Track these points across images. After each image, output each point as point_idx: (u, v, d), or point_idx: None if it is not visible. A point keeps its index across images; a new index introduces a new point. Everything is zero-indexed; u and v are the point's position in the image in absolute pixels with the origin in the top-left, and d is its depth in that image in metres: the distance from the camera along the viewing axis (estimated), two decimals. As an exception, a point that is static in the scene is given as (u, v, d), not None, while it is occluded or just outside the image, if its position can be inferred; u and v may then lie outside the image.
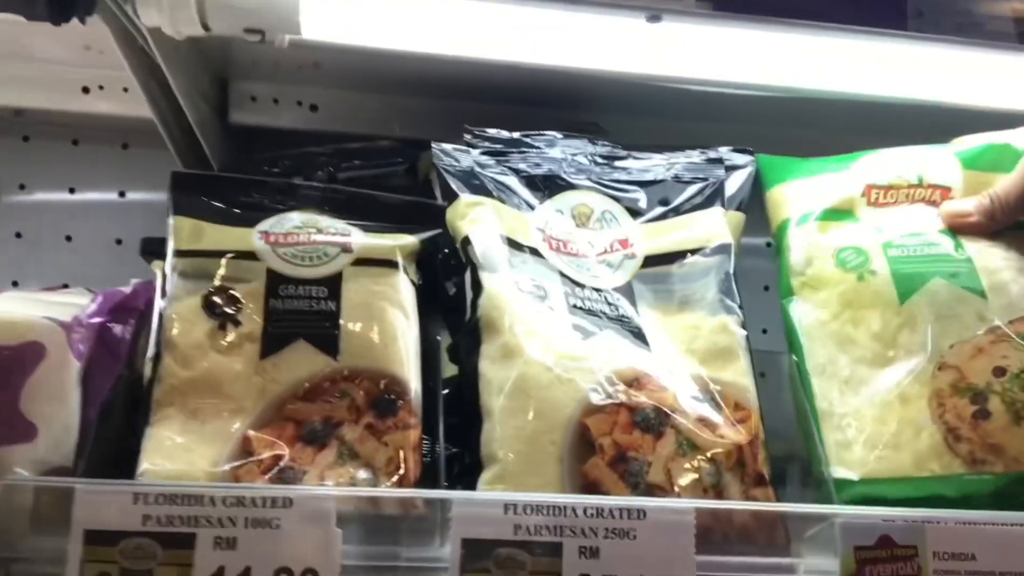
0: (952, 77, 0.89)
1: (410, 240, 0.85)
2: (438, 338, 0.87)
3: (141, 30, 0.92)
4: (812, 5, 0.76)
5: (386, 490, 0.70)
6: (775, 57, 0.90)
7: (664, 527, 0.71)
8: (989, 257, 0.89)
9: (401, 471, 0.74)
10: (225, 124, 1.39)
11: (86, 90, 1.35)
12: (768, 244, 1.32)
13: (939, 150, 0.95)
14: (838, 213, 0.96)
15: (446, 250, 0.94)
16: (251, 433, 0.73)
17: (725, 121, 1.12)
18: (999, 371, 0.83)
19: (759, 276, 1.43)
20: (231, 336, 0.76)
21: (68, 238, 1.38)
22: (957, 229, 0.90)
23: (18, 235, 1.40)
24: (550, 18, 0.93)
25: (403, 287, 0.82)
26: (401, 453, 0.74)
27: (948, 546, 0.74)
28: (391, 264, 0.82)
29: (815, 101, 1.02)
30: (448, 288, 0.92)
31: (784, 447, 0.89)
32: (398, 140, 1.26)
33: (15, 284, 1.28)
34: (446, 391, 0.85)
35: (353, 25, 0.98)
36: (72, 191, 1.44)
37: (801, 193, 0.97)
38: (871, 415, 0.85)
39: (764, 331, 1.16)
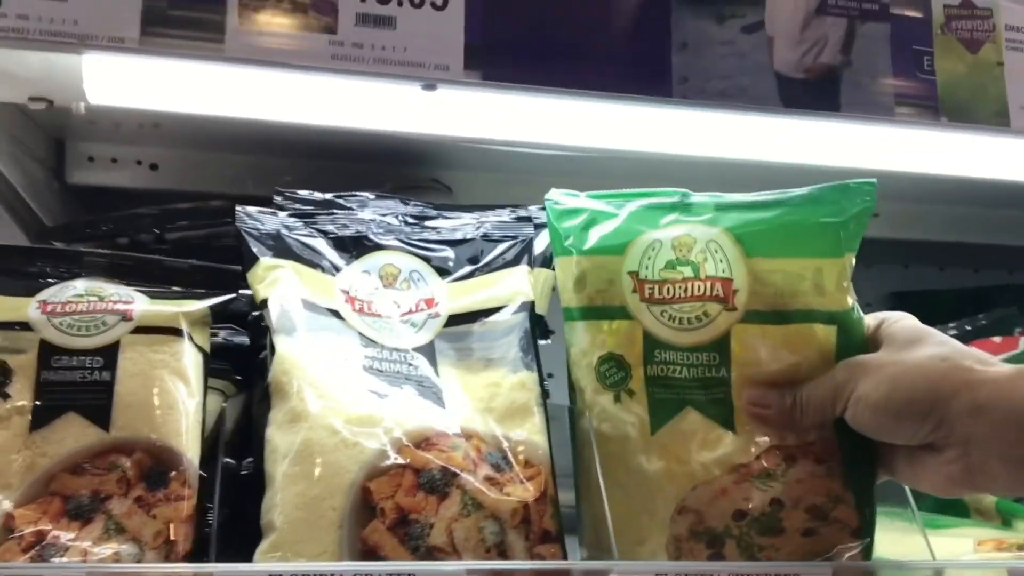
0: (717, 136, 0.92)
1: (198, 306, 0.85)
2: (223, 405, 0.86)
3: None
4: (580, 75, 0.78)
5: (139, 565, 0.69)
6: (566, 120, 0.92)
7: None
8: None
9: (171, 544, 0.73)
10: (63, 184, 1.38)
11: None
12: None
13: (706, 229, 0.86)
14: (604, 312, 0.88)
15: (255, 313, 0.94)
16: (14, 510, 0.72)
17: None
18: (739, 514, 0.81)
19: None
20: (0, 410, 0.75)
21: None
22: (753, 417, 0.83)
23: None
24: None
25: (186, 355, 0.82)
26: (171, 526, 0.73)
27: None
28: (174, 331, 0.82)
29: (600, 159, 1.06)
30: (260, 353, 0.92)
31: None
32: (231, 199, 1.26)
33: None
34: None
35: (153, 90, 0.98)
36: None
37: (571, 283, 0.91)
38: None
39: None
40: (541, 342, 1.02)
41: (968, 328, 1.36)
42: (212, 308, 0.85)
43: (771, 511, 0.81)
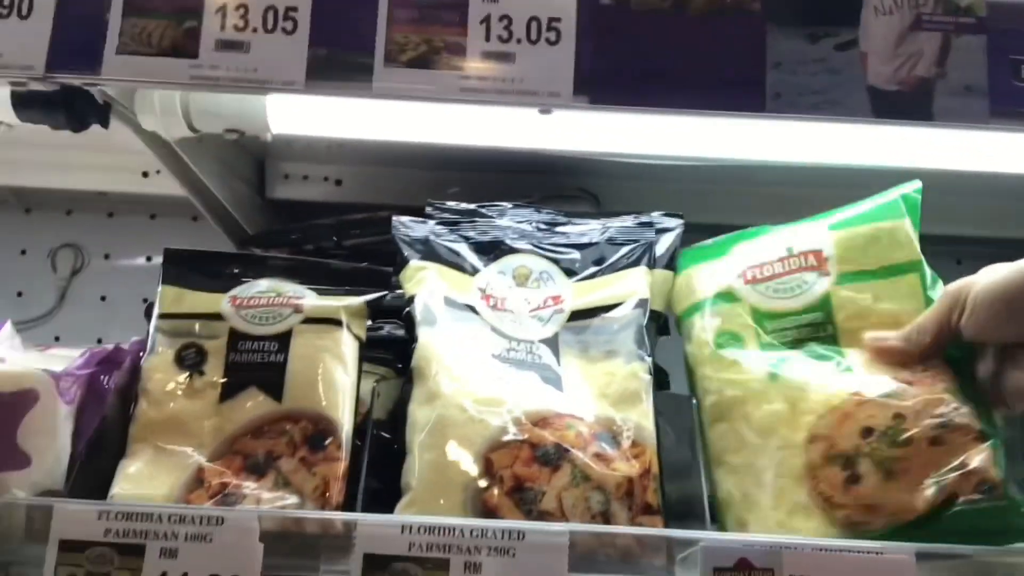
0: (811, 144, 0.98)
1: (355, 301, 1.00)
2: (374, 385, 1.01)
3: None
4: (681, 96, 0.88)
5: (300, 511, 0.85)
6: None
7: (540, 547, 0.83)
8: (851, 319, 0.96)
9: (326, 496, 0.88)
10: (264, 198, 1.59)
11: (145, 174, 1.57)
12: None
13: (809, 224, 1.04)
14: (722, 297, 1.03)
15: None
16: (205, 464, 0.89)
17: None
18: (867, 432, 0.88)
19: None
20: (196, 384, 0.93)
21: (144, 300, 1.60)
22: (875, 352, 0.93)
23: (102, 298, 1.64)
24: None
25: (345, 342, 0.97)
26: (327, 482, 0.89)
27: (804, 570, 0.83)
28: (336, 322, 0.98)
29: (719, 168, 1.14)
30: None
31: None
32: (400, 210, 1.43)
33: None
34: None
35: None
36: (148, 259, 1.67)
37: (685, 289, 1.06)
38: (759, 499, 0.92)
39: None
40: (661, 338, 1.12)
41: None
42: (368, 303, 1.00)
43: (895, 424, 0.88)
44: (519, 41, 0.87)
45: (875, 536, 0.86)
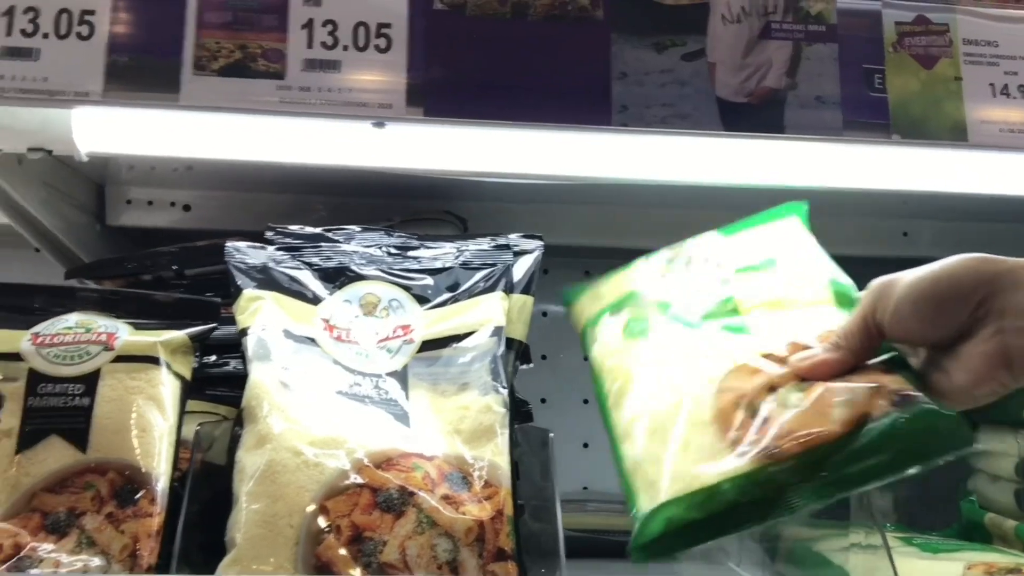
0: (660, 161, 0.93)
1: (176, 335, 0.91)
2: (197, 428, 0.92)
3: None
4: (523, 108, 0.82)
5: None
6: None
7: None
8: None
9: (136, 557, 0.78)
10: (104, 226, 1.47)
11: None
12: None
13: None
14: (622, 301, 0.98)
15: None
16: (-2, 524, 0.78)
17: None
18: (772, 388, 0.81)
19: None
20: (-9, 434, 0.82)
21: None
22: (803, 371, 0.82)
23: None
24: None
25: (163, 382, 0.88)
26: (137, 541, 0.79)
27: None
28: (152, 360, 0.88)
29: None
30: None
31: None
32: (251, 236, 1.34)
33: None
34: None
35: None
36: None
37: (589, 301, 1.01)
38: (666, 451, 0.84)
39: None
40: (523, 367, 1.06)
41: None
42: (192, 337, 0.91)
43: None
44: (345, 48, 0.80)
45: (792, 469, 0.78)
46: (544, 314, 1.48)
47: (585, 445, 1.49)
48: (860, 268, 1.57)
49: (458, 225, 1.44)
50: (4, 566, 0.76)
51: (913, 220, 1.47)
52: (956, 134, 0.86)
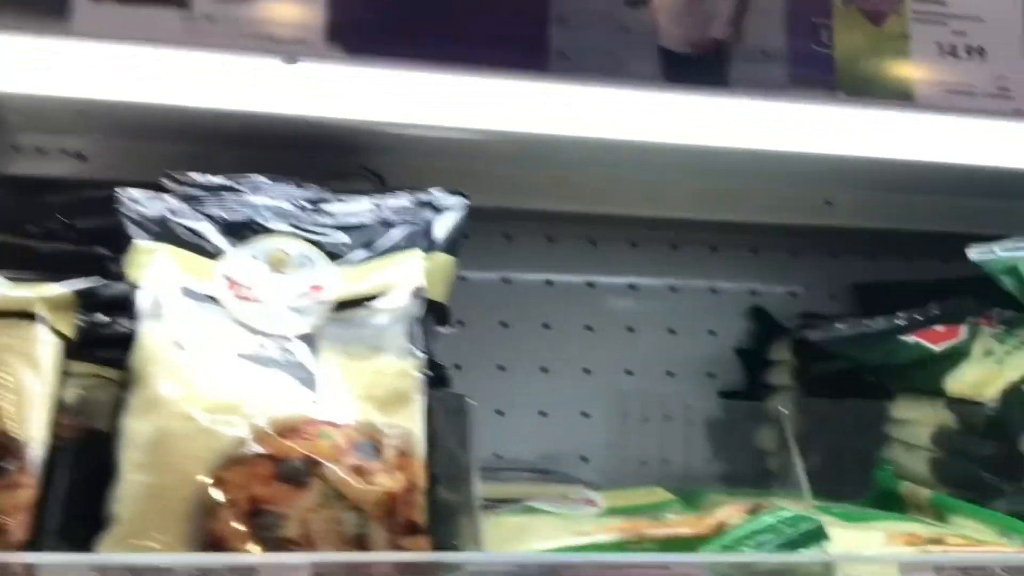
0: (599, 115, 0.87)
1: (58, 291, 0.82)
2: (81, 392, 0.83)
3: None
4: (453, 50, 0.74)
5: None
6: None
7: (270, 583, 0.68)
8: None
9: (5, 532, 0.70)
10: (-7, 174, 1.35)
11: None
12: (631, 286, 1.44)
13: None
14: None
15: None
16: None
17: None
18: None
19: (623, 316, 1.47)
20: None
21: None
22: None
23: None
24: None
25: (40, 340, 0.79)
26: (7, 515, 0.70)
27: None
28: (27, 316, 0.79)
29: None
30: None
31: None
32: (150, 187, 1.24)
33: None
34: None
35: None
36: None
37: None
38: None
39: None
40: (443, 330, 0.99)
41: (919, 317, 1.32)
42: (77, 292, 0.82)
43: None
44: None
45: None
46: (463, 279, 1.42)
47: (499, 412, 1.44)
48: (781, 238, 1.57)
49: (377, 182, 1.36)
50: None
51: (837, 188, 1.44)
52: (902, 94, 0.82)
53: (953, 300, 1.29)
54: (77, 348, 0.84)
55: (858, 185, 1.42)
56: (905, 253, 1.63)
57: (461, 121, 0.92)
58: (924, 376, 1.20)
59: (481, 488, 0.99)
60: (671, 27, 0.79)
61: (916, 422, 1.22)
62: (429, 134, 1.16)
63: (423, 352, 0.90)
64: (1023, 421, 1.02)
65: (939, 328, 1.25)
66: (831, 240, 1.56)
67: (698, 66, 0.79)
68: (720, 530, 0.84)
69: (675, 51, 0.79)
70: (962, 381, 1.15)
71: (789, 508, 0.85)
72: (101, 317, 0.98)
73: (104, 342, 0.99)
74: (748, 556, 0.77)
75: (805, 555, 0.79)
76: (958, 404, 1.14)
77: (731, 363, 1.53)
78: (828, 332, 1.36)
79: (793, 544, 0.82)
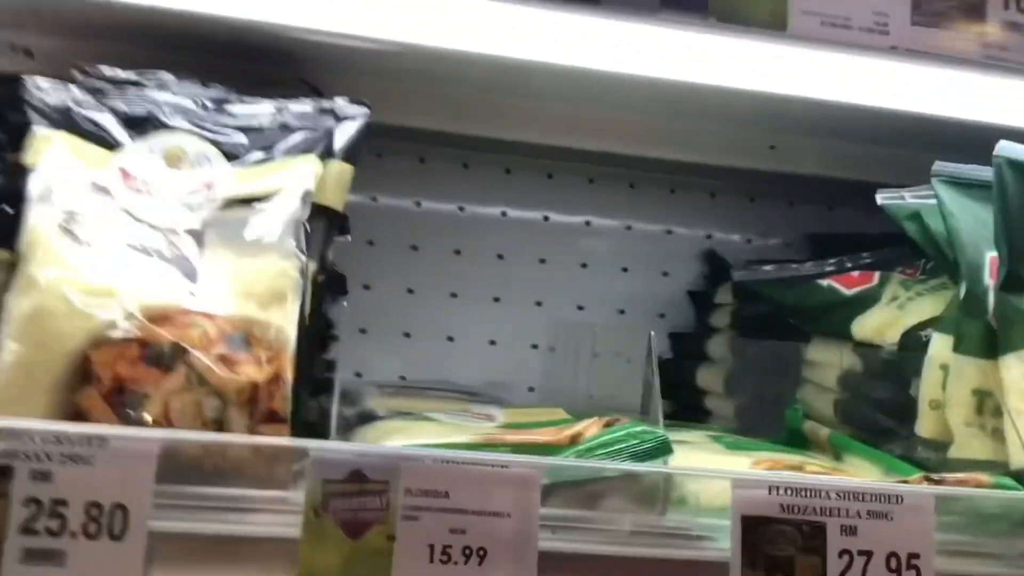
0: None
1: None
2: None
3: None
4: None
5: None
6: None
7: (124, 455, 0.72)
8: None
9: None
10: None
11: None
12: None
13: None
14: None
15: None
16: None
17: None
18: None
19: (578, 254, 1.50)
20: None
21: None
22: None
23: None
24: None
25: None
26: None
27: (423, 483, 0.76)
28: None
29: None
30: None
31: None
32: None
33: None
34: None
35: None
36: None
37: None
38: None
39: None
40: (340, 239, 1.02)
41: (848, 264, 1.34)
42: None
43: None
44: None
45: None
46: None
47: (450, 339, 1.48)
48: (738, 183, 1.57)
49: (314, 95, 1.37)
50: None
51: (779, 133, 1.45)
52: (776, 22, 0.83)
53: (889, 250, 1.30)
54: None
55: (799, 130, 1.42)
56: (862, 205, 1.64)
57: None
58: (835, 320, 1.22)
59: (368, 396, 1.04)
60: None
61: (826, 364, 1.25)
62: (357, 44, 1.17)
63: (317, 257, 0.94)
64: (916, 366, 1.04)
65: (855, 274, 1.27)
66: (787, 188, 1.56)
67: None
68: (575, 440, 0.88)
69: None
70: (866, 325, 1.18)
71: (640, 424, 0.89)
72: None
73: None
74: (582, 461, 0.81)
75: (642, 466, 0.83)
76: (862, 348, 1.17)
77: (683, 304, 1.56)
78: (755, 274, 1.38)
79: (639, 457, 0.86)
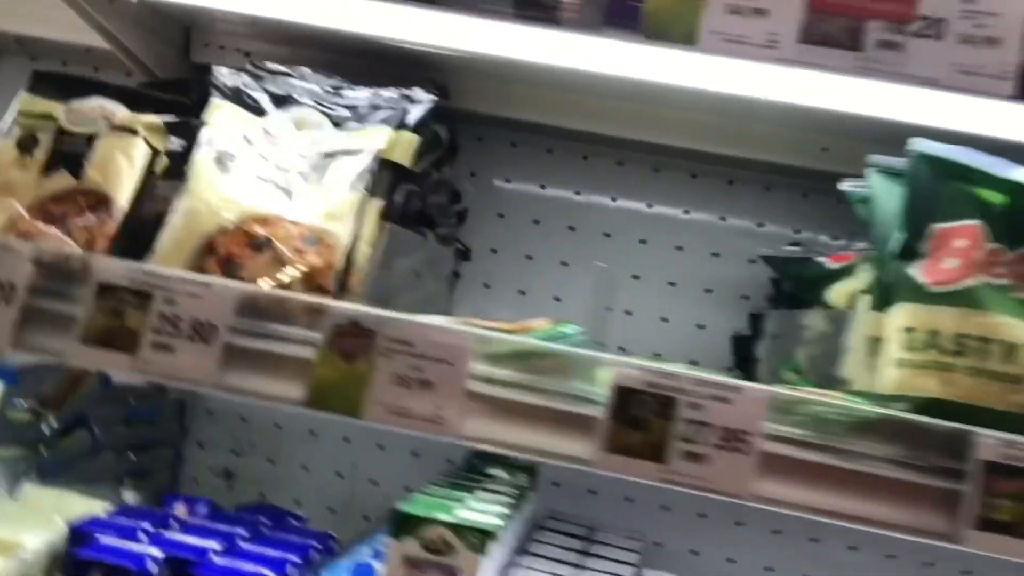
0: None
1: (153, 119, 1.36)
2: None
3: None
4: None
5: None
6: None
7: (216, 294, 1.17)
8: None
9: (92, 248, 1.25)
10: (190, 63, 1.93)
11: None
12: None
13: None
14: None
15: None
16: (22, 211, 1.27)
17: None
18: None
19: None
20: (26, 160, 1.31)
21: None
22: None
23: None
24: None
25: (137, 148, 1.33)
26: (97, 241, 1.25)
27: (396, 334, 1.15)
28: (134, 132, 1.33)
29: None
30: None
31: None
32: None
33: None
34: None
35: None
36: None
37: None
38: None
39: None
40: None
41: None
42: (166, 123, 1.36)
43: None
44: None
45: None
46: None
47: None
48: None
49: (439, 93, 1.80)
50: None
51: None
52: (688, 39, 1.14)
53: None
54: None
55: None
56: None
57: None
58: (821, 290, 1.48)
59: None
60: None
61: (813, 327, 1.50)
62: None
63: (384, 195, 1.36)
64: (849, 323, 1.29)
65: (845, 252, 1.52)
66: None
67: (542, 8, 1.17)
68: (524, 329, 1.23)
69: None
70: (837, 292, 1.43)
71: (577, 326, 1.23)
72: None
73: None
74: (500, 335, 1.16)
75: (543, 344, 1.16)
76: (830, 311, 1.43)
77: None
78: (779, 253, 1.65)
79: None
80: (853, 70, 1.12)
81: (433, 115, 1.43)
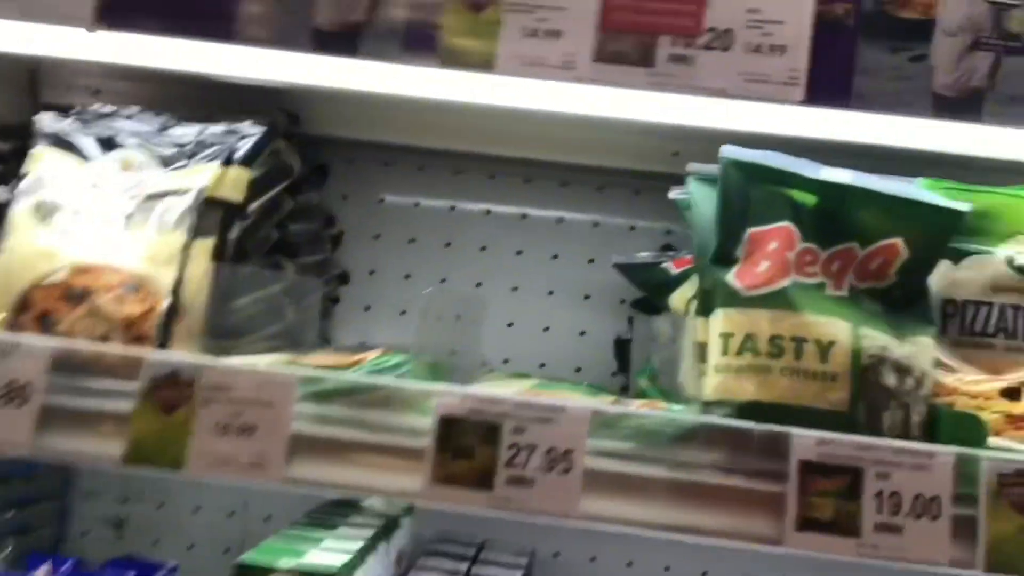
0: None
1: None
2: None
3: None
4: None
5: None
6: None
7: (27, 352, 1.14)
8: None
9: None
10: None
11: None
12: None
13: None
14: None
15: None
16: None
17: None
18: None
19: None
20: None
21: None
22: None
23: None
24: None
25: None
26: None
27: (216, 381, 1.13)
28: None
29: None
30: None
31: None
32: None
33: None
34: None
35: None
36: None
37: None
38: None
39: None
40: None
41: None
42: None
43: None
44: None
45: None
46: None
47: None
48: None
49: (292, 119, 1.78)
50: None
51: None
52: (486, 63, 1.14)
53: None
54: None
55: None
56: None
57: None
58: (666, 295, 1.50)
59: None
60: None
61: (662, 333, 1.52)
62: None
63: (216, 234, 1.34)
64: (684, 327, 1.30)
65: (686, 257, 1.53)
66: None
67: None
68: (355, 364, 1.23)
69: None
70: (676, 298, 1.45)
71: (405, 356, 1.22)
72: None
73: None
74: (325, 373, 1.15)
75: (367, 379, 1.15)
76: (673, 317, 1.44)
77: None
78: (630, 259, 1.66)
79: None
80: (646, 85, 1.13)
81: (272, 144, 1.41)
